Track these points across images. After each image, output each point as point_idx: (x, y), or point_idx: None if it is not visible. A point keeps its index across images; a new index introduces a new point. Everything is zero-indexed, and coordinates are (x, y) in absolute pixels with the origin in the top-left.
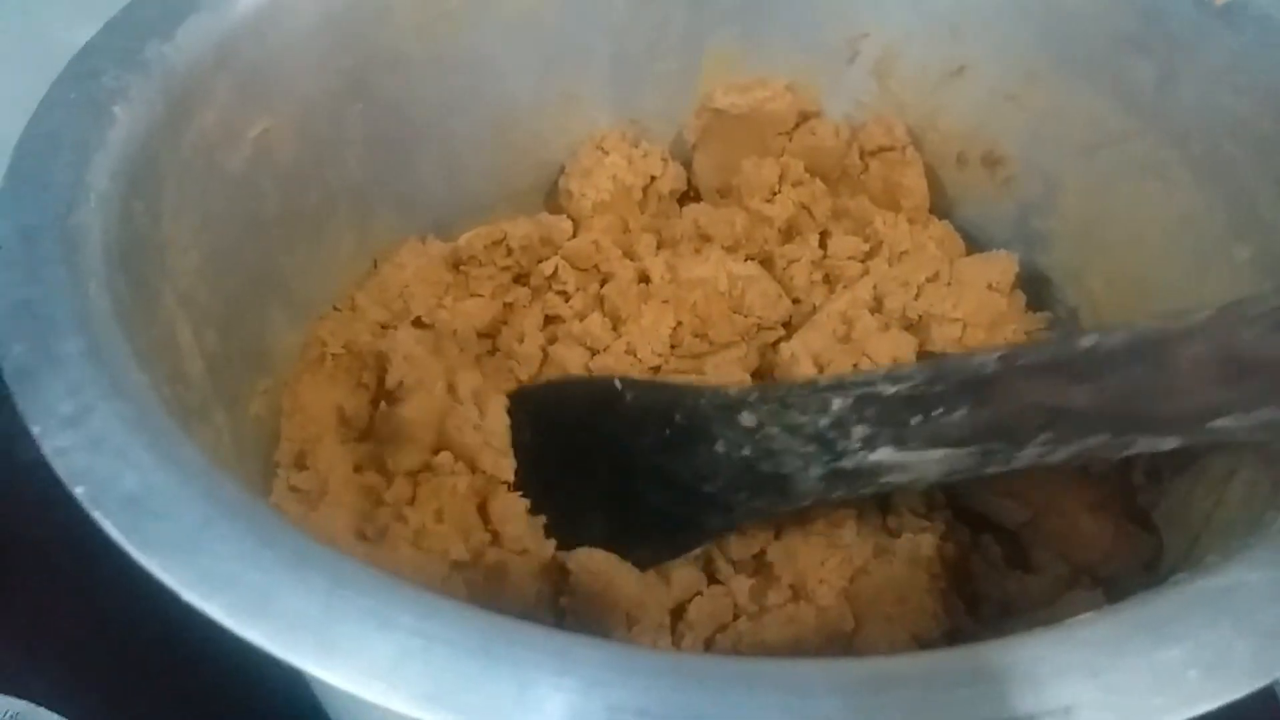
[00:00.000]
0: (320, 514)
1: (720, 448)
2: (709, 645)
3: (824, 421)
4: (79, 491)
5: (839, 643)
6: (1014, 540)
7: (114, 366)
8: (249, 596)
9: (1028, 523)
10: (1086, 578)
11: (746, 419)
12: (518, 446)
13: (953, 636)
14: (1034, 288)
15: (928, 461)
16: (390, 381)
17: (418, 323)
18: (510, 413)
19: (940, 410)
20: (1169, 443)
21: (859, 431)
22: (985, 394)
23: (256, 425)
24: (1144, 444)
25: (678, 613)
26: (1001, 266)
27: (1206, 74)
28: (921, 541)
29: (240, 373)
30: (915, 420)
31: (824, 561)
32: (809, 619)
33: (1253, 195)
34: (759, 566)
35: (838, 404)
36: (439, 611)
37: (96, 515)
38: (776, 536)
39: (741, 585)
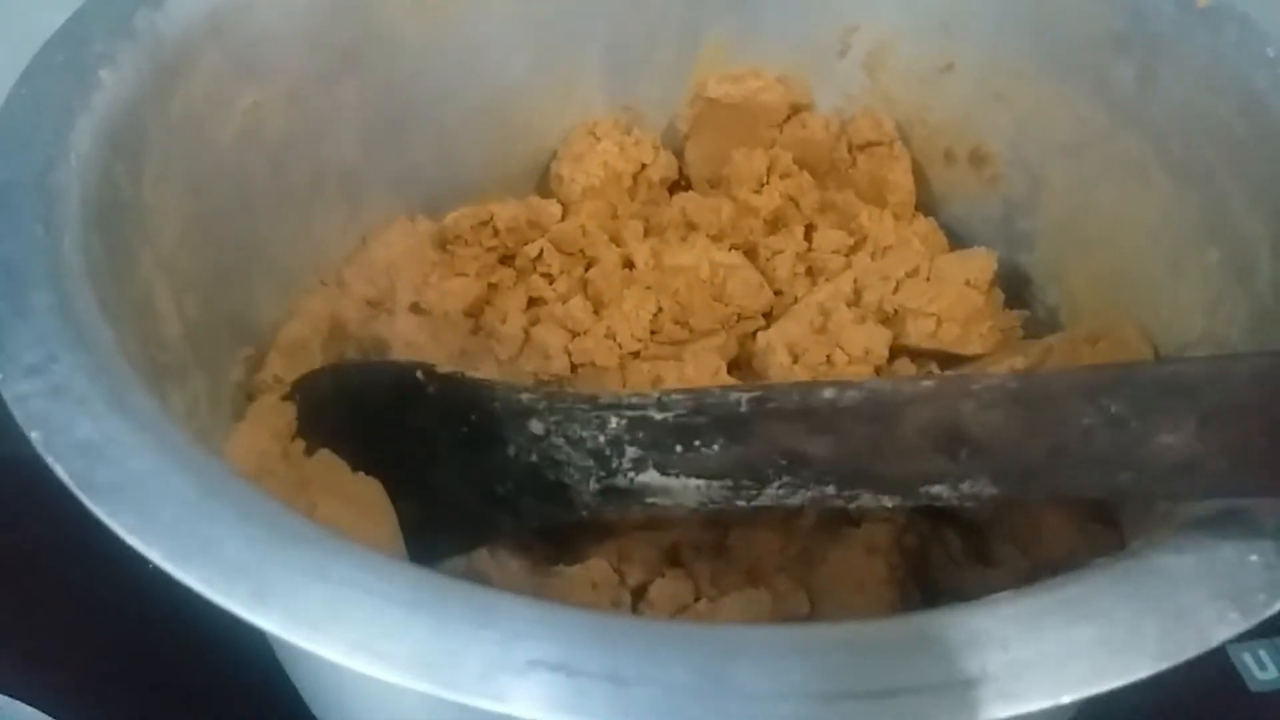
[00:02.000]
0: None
1: (511, 451)
2: None
3: (602, 439)
4: (34, 436)
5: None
6: (976, 533)
7: (81, 321)
8: (190, 543)
9: (990, 516)
10: (1047, 573)
11: (535, 426)
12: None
13: None
14: (1016, 286)
15: (688, 489)
16: None
17: (414, 309)
18: (299, 399)
19: (699, 442)
20: (888, 500)
21: (631, 452)
22: (738, 432)
23: (236, 391)
24: (867, 499)
25: (639, 593)
26: (980, 263)
27: (1187, 74)
28: (880, 530)
29: (222, 339)
30: (679, 448)
31: (782, 548)
32: (764, 604)
33: (1225, 198)
34: (720, 551)
35: (614, 423)
36: (372, 565)
37: (49, 460)
38: (738, 523)
39: (703, 568)
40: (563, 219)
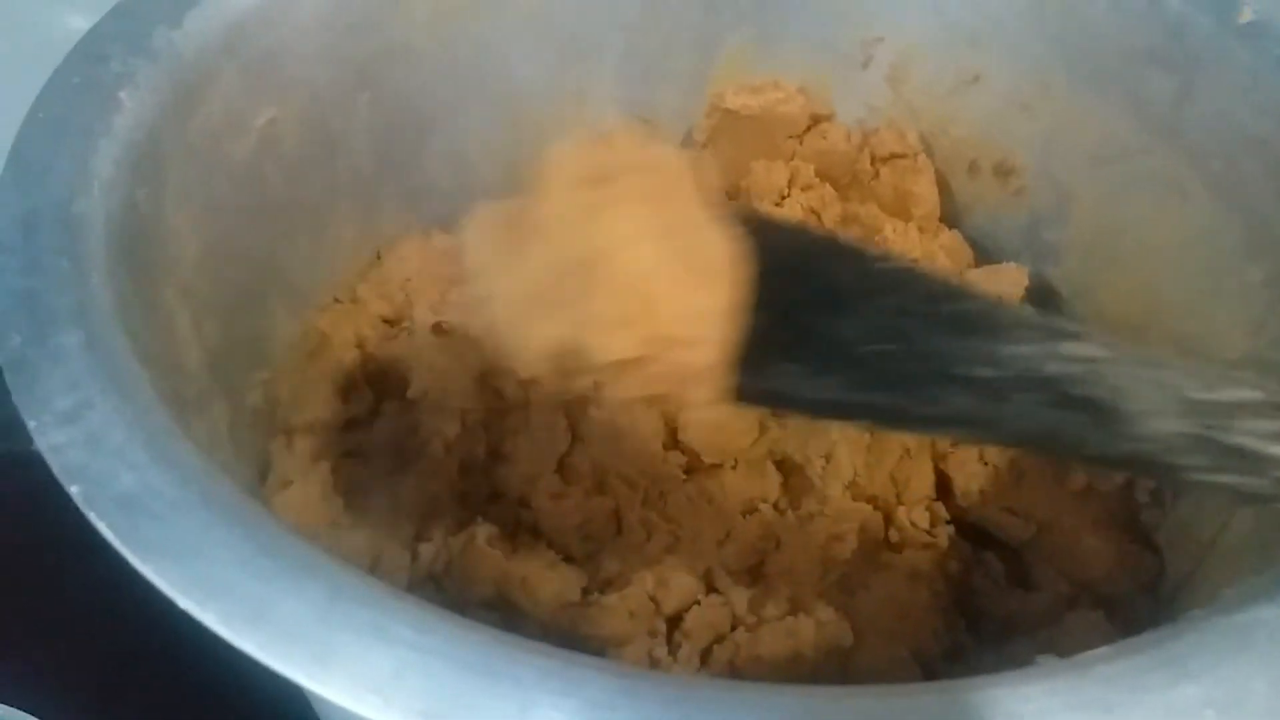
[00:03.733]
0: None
1: (1007, 351)
2: (705, 656)
3: (1209, 397)
4: (74, 491)
5: (837, 658)
6: (1016, 557)
7: (113, 361)
8: (245, 605)
9: (1030, 540)
10: (1088, 597)
11: (1077, 349)
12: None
13: (952, 654)
14: (1042, 300)
15: None
16: (414, 392)
17: (436, 329)
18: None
19: None
20: None
21: (1262, 425)
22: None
23: (254, 416)
24: None
25: (674, 621)
26: (1011, 279)
27: (1226, 92)
28: (923, 557)
29: (239, 364)
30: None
31: (824, 575)
32: (807, 633)
33: (1268, 216)
34: (757, 577)
35: (1242, 393)
36: (438, 625)
37: (92, 516)
38: (776, 547)
39: (740, 596)
40: None
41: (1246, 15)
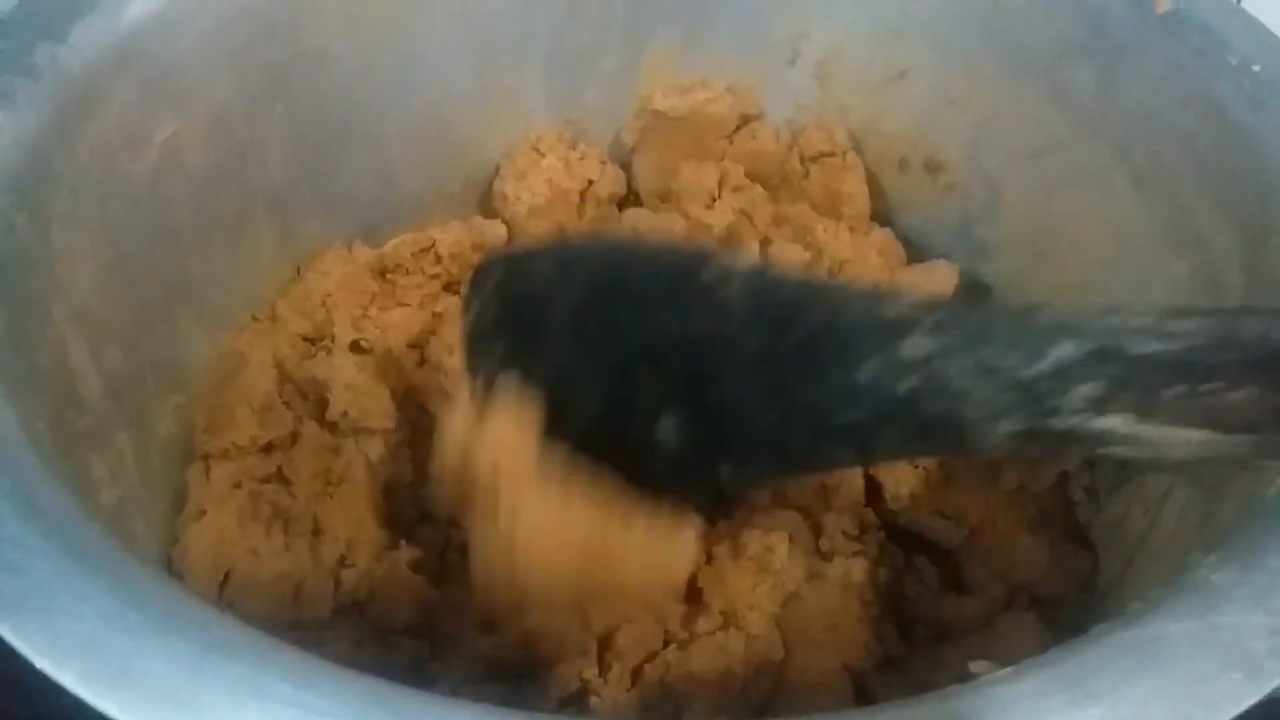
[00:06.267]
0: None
1: (863, 377)
2: (636, 675)
3: (1037, 369)
4: None
5: (768, 672)
6: (949, 560)
7: None
8: (108, 663)
9: (963, 542)
10: (1023, 598)
11: (914, 347)
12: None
13: (885, 664)
14: (976, 297)
15: (1178, 443)
16: (333, 413)
17: (355, 347)
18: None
19: (1215, 385)
20: None
21: (1087, 390)
22: None
23: (167, 443)
24: None
25: (605, 641)
26: (942, 277)
27: (1148, 82)
28: (853, 566)
29: (148, 390)
30: (1174, 391)
31: (755, 587)
32: (738, 647)
33: (1192, 210)
34: (689, 592)
35: (1064, 350)
36: (317, 679)
37: None
38: (707, 561)
39: (674, 611)
40: (508, 240)
41: (1165, 5)
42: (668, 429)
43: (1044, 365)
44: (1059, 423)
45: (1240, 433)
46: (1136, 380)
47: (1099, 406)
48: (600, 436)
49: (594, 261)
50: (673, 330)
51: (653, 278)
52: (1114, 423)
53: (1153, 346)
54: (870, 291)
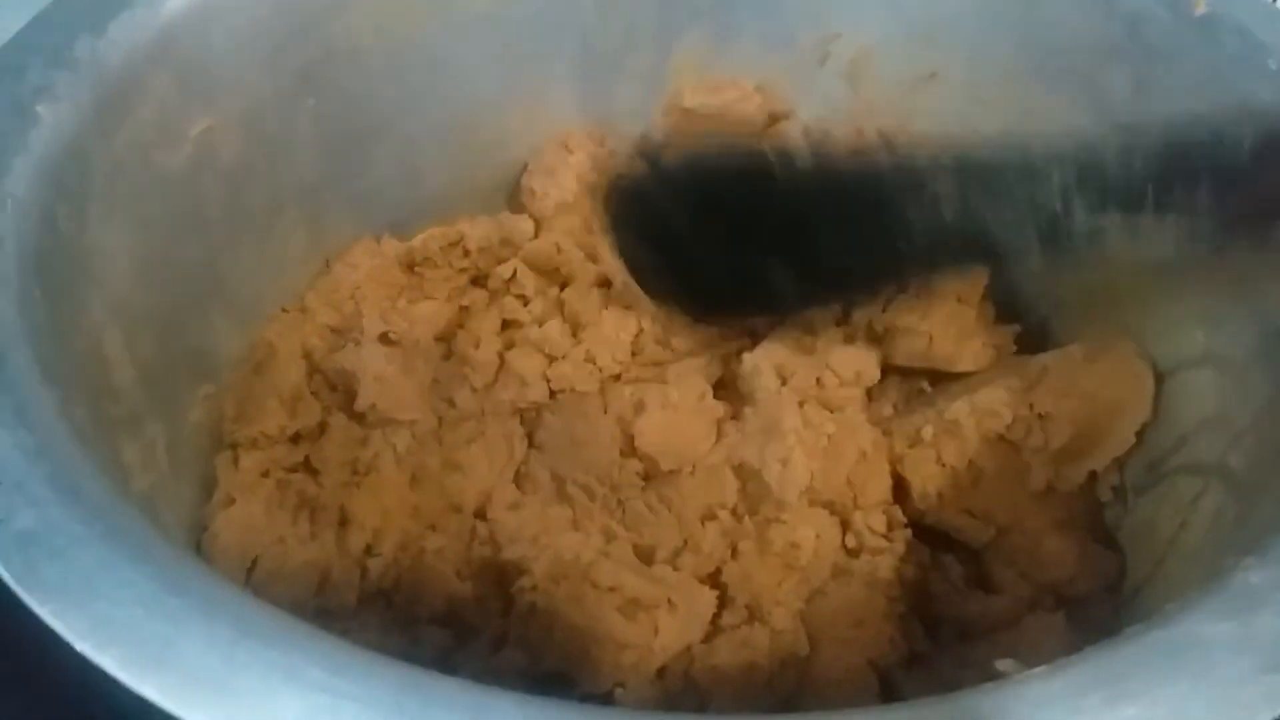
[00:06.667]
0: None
1: (912, 213)
2: (661, 670)
3: (1041, 191)
4: None
5: (793, 667)
6: (976, 559)
7: (17, 389)
8: (147, 647)
9: (990, 542)
10: (1049, 599)
11: (940, 185)
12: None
13: (910, 661)
14: (1005, 297)
15: (1164, 229)
16: (361, 404)
17: (383, 339)
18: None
19: (1180, 186)
20: None
21: (1082, 200)
22: (1238, 177)
23: (197, 432)
24: None
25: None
26: (971, 278)
27: (1183, 86)
28: (880, 563)
29: (179, 379)
30: (1151, 193)
31: (781, 582)
32: (763, 643)
33: None
34: (714, 585)
35: (1057, 177)
36: (349, 665)
37: None
38: (733, 555)
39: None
40: (535, 235)
41: (1201, 8)
42: (776, 268)
43: (1047, 187)
44: (1069, 225)
45: (1204, 215)
46: (1119, 188)
47: (1094, 210)
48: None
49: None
50: (767, 204)
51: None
52: (1111, 220)
53: (1122, 163)
54: (902, 147)
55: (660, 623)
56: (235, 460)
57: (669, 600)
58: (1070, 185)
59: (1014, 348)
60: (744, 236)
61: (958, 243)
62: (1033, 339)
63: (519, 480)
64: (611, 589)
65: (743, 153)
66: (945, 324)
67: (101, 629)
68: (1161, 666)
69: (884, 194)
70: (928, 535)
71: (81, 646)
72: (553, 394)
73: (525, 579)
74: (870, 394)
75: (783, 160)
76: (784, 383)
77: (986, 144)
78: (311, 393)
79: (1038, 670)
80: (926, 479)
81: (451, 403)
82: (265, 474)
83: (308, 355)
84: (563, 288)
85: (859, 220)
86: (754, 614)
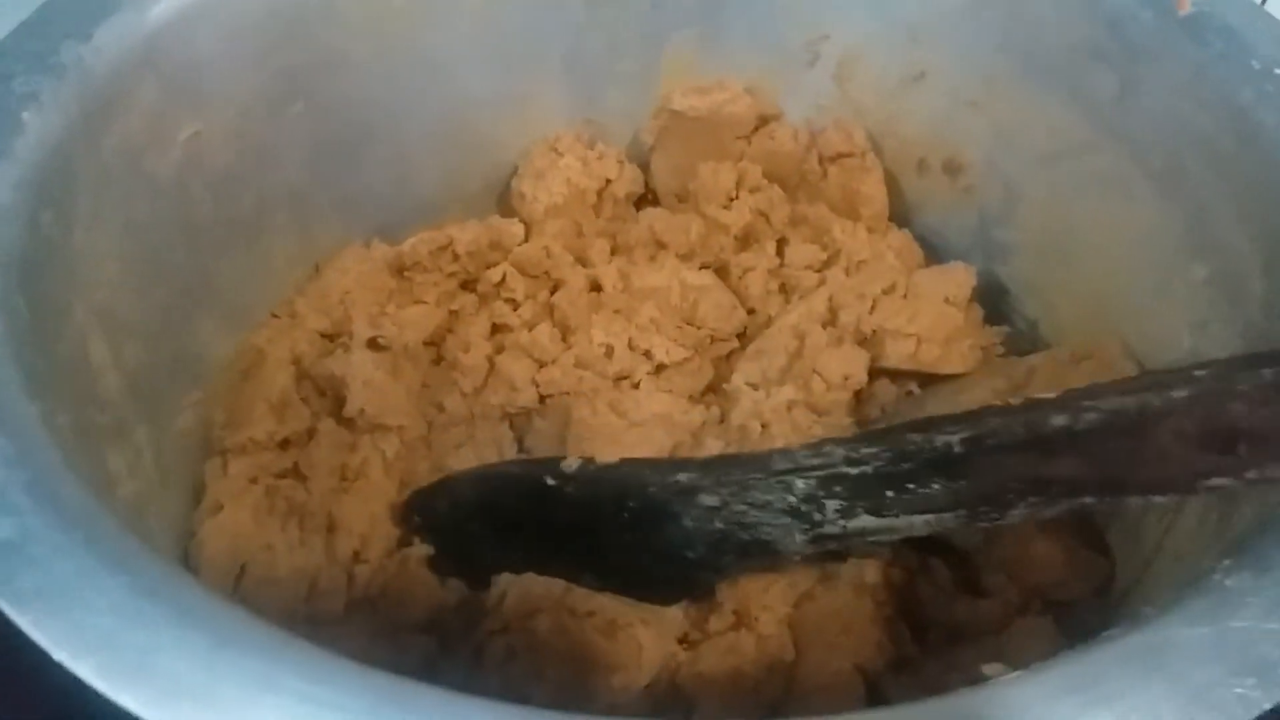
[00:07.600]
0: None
1: (689, 523)
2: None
3: (792, 499)
4: None
5: (779, 673)
6: (964, 563)
7: None
8: (125, 656)
9: (979, 545)
10: (1037, 602)
11: (707, 499)
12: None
13: (898, 665)
14: (993, 298)
15: (914, 524)
16: (350, 409)
17: (372, 344)
18: (414, 511)
19: (913, 484)
20: (1162, 499)
21: (833, 505)
22: (958, 469)
23: (185, 439)
24: (1136, 501)
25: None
26: (959, 279)
27: (1168, 86)
28: (867, 567)
29: (166, 386)
30: (890, 494)
31: (767, 588)
32: (748, 648)
33: (1211, 213)
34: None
35: (802, 485)
36: (328, 673)
37: None
38: None
39: (687, 610)
40: (525, 239)
41: (1187, 7)
42: (588, 581)
43: (794, 496)
44: (831, 528)
45: (947, 511)
46: (861, 492)
47: (846, 514)
48: None
49: (482, 486)
50: (551, 519)
51: (519, 493)
52: (864, 522)
53: (857, 470)
54: (663, 464)
55: (641, 639)
56: (224, 466)
57: (640, 620)
58: (814, 492)
59: (1002, 349)
60: (539, 546)
61: (737, 546)
62: (1021, 339)
63: None
64: (590, 613)
65: (520, 475)
66: (934, 326)
67: (79, 637)
68: (1137, 670)
69: (663, 508)
70: (916, 539)
71: (59, 655)
72: (542, 399)
73: (491, 620)
74: (858, 396)
75: (560, 481)
76: (767, 395)
77: (737, 460)
78: (300, 398)
79: (1016, 674)
80: None
81: (441, 407)
82: (254, 480)
83: (297, 361)
84: (553, 291)
85: (644, 530)
86: (741, 619)
